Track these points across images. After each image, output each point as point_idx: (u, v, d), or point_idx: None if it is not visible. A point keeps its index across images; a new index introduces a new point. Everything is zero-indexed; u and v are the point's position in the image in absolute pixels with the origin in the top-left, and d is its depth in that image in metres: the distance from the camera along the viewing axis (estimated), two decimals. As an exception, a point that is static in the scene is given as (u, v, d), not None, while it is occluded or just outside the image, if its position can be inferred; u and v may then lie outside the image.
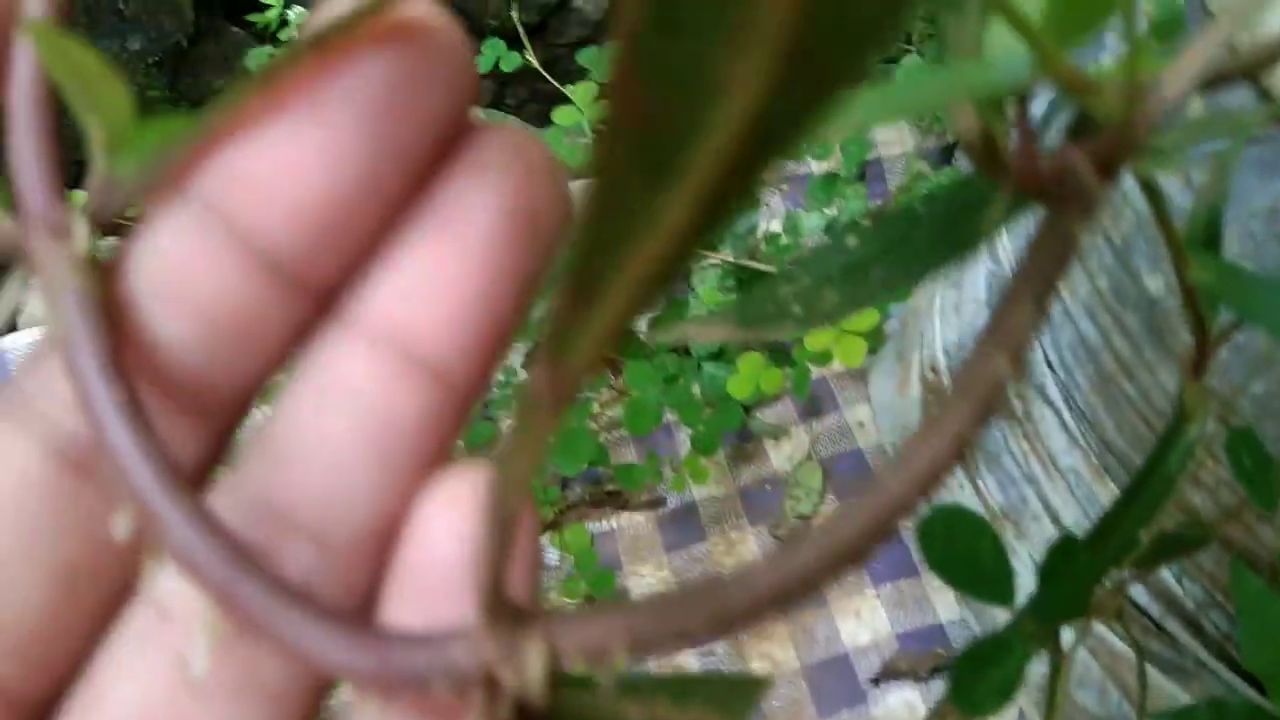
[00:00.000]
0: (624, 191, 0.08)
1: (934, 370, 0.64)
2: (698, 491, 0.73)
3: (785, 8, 0.06)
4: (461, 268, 0.14)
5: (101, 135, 0.13)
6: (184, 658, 0.13)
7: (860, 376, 0.76)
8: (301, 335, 0.14)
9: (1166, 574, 0.48)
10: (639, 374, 0.67)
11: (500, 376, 0.74)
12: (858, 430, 0.74)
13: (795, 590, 0.11)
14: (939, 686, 0.65)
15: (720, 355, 0.70)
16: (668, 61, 0.07)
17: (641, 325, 0.70)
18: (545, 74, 0.83)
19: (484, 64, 0.83)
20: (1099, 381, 0.47)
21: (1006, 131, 0.13)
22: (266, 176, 0.13)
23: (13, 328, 0.78)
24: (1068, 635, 0.29)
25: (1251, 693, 0.47)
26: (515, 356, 0.76)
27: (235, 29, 0.90)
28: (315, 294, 0.14)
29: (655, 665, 0.57)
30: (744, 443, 0.74)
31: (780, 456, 0.74)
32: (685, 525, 0.72)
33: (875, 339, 0.64)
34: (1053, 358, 0.51)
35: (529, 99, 0.96)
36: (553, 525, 0.71)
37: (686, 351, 0.70)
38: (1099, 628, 0.52)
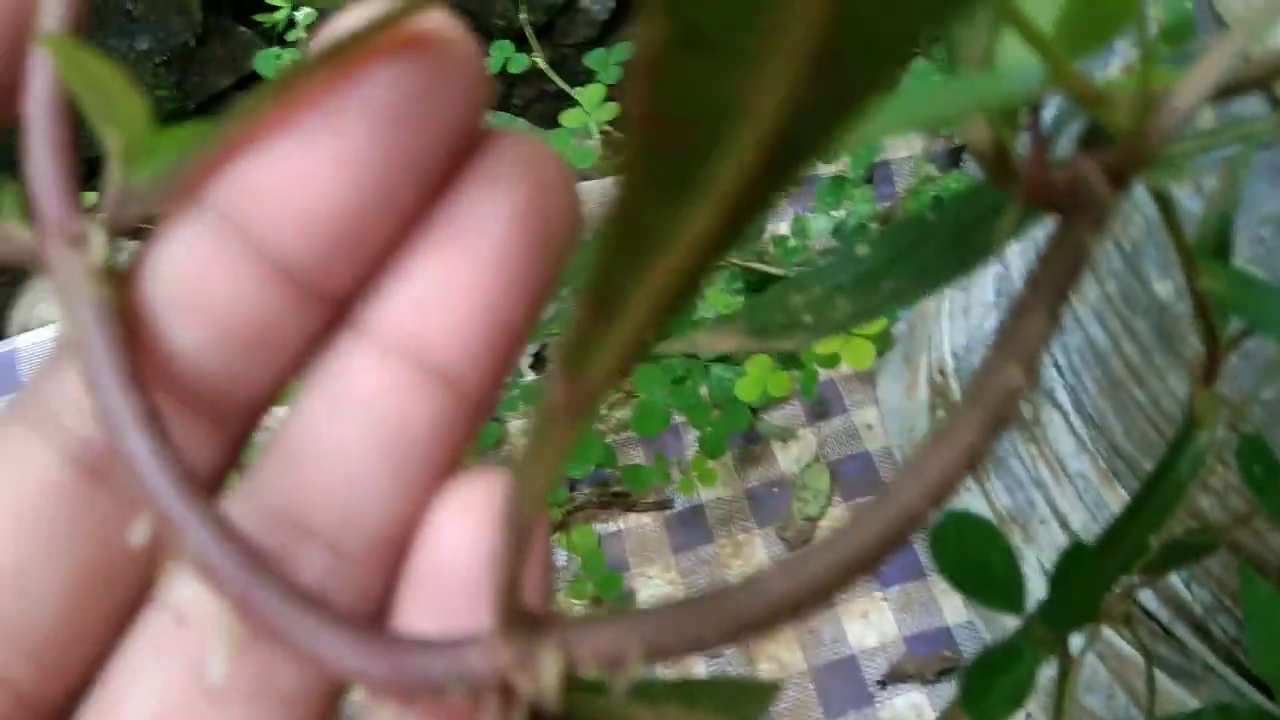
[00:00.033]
0: (644, 206, 0.08)
1: (941, 373, 0.64)
2: (705, 493, 0.73)
3: (810, 25, 0.06)
4: (474, 277, 0.14)
5: (118, 145, 0.14)
6: (200, 663, 0.13)
7: (868, 379, 0.76)
8: (316, 343, 0.14)
9: (1175, 579, 0.48)
10: (647, 376, 0.67)
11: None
12: (865, 432, 0.74)
13: (808, 599, 0.11)
14: (946, 689, 0.65)
15: (728, 357, 0.70)
16: (690, 79, 0.07)
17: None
18: (552, 74, 0.83)
19: (492, 65, 0.83)
20: (1108, 386, 0.47)
21: (1017, 141, 0.13)
22: (281, 186, 0.13)
23: (24, 328, 0.78)
24: (1076, 640, 0.29)
25: (1259, 697, 0.47)
26: (523, 359, 0.76)
27: (243, 29, 0.90)
28: (329, 303, 0.14)
29: (663, 668, 0.57)
30: (751, 445, 0.74)
31: (788, 458, 0.74)
32: (693, 527, 0.72)
33: (883, 342, 0.63)
34: (1061, 362, 0.51)
35: (536, 99, 0.96)
36: (560, 526, 0.71)
37: (694, 354, 0.70)
38: (1107, 632, 0.52)
